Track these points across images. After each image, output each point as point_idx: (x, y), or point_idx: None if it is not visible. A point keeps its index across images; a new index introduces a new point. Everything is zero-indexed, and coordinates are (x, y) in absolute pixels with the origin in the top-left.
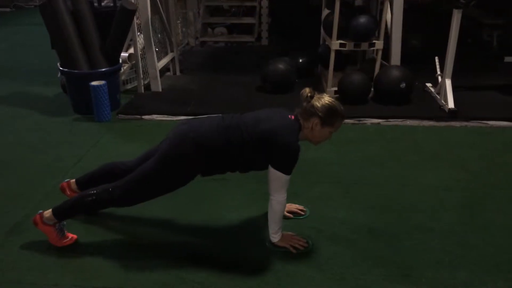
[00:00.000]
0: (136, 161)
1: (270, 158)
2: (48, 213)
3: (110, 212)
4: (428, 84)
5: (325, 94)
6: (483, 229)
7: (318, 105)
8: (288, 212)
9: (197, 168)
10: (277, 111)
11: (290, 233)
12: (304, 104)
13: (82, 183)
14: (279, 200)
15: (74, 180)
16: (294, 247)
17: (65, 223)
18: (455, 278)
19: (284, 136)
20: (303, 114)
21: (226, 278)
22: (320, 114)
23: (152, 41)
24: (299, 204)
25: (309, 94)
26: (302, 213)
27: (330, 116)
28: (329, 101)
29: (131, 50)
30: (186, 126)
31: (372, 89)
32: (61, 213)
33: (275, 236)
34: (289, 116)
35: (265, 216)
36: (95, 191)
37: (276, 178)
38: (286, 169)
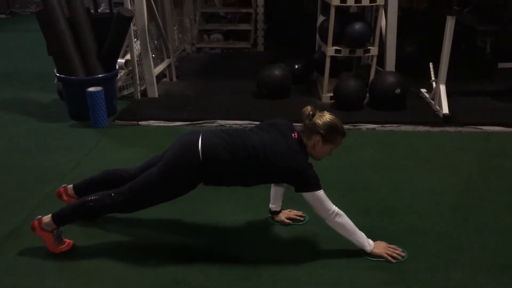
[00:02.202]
0: (138, 169)
1: (292, 185)
2: (47, 218)
3: (106, 216)
4: (423, 90)
5: (325, 111)
6: (476, 232)
7: (320, 122)
8: (287, 218)
9: (200, 179)
10: (280, 130)
11: (383, 242)
12: (306, 122)
13: (81, 189)
14: (335, 213)
15: (71, 185)
16: (392, 257)
17: (62, 229)
18: (450, 281)
19: (296, 164)
20: (305, 132)
21: (222, 281)
22: (321, 131)
23: (149, 48)
24: (297, 209)
25: (310, 112)
26: (302, 218)
27: (331, 133)
28: (330, 119)
29: (128, 57)
30: (193, 137)
31: (367, 94)
32: (60, 219)
33: (365, 246)
34: (292, 134)
35: (262, 220)
36: (96, 197)
37: (314, 199)
38: (315, 187)
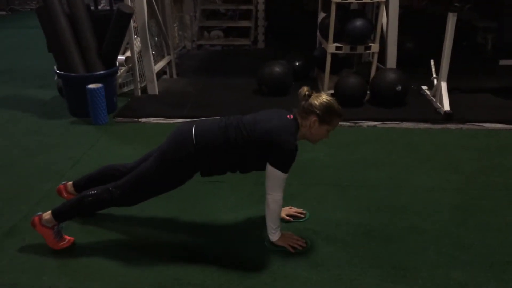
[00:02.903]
0: (135, 163)
1: (268, 157)
2: (47, 215)
3: (107, 213)
4: (424, 87)
5: (322, 92)
6: (477, 230)
7: (316, 103)
8: (288, 215)
9: (196, 167)
10: (275, 111)
11: (289, 232)
12: (302, 102)
13: (80, 186)
14: (275, 198)
15: (71, 182)
16: (293, 247)
17: (63, 226)
18: (450, 279)
19: (281, 136)
20: (301, 112)
21: (222, 280)
22: (318, 111)
23: (149, 44)
24: (296, 207)
25: (307, 93)
26: (302, 216)
27: (328, 114)
28: (327, 99)
29: (128, 53)
30: (186, 126)
31: (368, 91)
32: (60, 214)
33: (273, 235)
34: (288, 116)
35: (262, 218)
36: (95, 191)
37: (273, 176)
38: (283, 167)
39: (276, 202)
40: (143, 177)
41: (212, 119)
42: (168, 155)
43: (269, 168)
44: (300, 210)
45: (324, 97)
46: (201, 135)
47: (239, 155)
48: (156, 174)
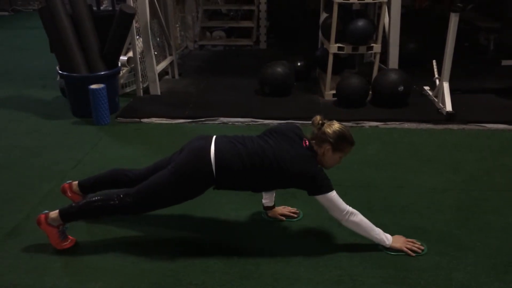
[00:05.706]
0: (144, 171)
1: (304, 189)
2: (54, 213)
3: None
4: (426, 87)
5: (334, 121)
6: (479, 231)
7: (330, 131)
8: (281, 215)
9: (210, 184)
10: (291, 140)
11: (401, 236)
12: (316, 131)
13: (86, 187)
14: (349, 215)
15: (76, 182)
16: (412, 250)
17: (67, 226)
18: (452, 280)
19: (310, 169)
20: (315, 139)
21: (223, 280)
22: (331, 140)
23: (151, 45)
24: (298, 206)
25: (320, 122)
26: (295, 215)
27: (340, 142)
28: (339, 128)
29: (130, 54)
30: (205, 142)
31: (370, 92)
32: (68, 215)
33: (385, 241)
34: (303, 142)
35: (263, 218)
36: (104, 197)
37: (327, 201)
38: (326, 189)
39: (353, 215)
40: (156, 189)
41: (230, 143)
42: (184, 173)
43: (318, 198)
44: (294, 209)
45: (336, 126)
46: (221, 161)
47: (258, 181)
48: (169, 187)
